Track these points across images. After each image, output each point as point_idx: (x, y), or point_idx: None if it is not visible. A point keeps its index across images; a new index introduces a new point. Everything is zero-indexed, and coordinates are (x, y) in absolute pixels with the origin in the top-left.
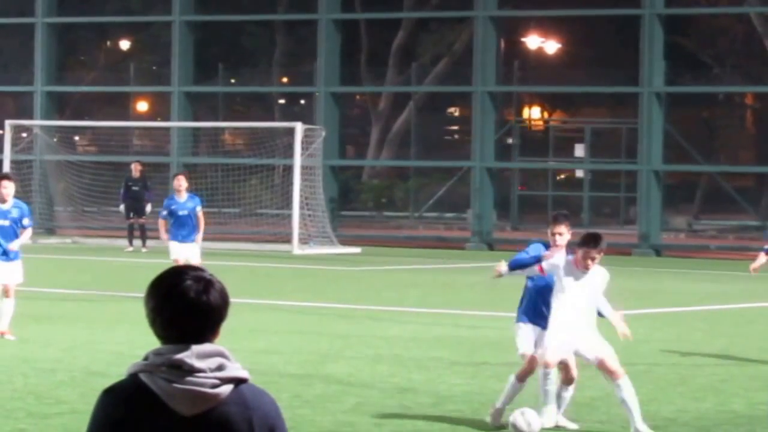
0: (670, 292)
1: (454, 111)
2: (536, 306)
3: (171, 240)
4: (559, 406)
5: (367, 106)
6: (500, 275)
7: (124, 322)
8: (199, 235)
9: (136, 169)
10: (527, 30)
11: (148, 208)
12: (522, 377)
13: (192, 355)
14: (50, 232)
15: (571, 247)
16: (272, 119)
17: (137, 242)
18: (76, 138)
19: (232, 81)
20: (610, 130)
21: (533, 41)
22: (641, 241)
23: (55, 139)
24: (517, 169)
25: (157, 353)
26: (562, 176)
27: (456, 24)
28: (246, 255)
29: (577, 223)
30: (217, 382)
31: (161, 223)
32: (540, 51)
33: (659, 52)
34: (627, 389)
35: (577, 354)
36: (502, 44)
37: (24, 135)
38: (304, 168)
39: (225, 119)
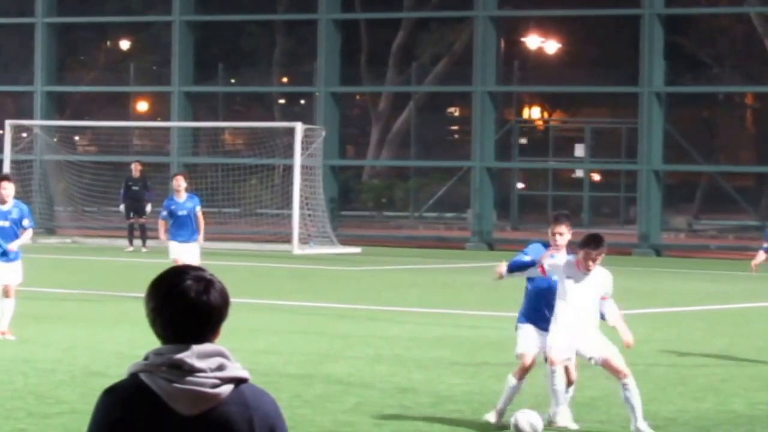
0: (670, 292)
1: (454, 111)
2: (537, 308)
3: (170, 240)
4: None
5: (367, 106)
6: (501, 277)
7: (124, 322)
8: (201, 235)
9: (136, 169)
10: (527, 30)
11: (148, 208)
12: (519, 376)
13: (192, 355)
14: (50, 232)
15: (572, 247)
16: (272, 119)
17: (137, 242)
18: (76, 138)
19: (232, 81)
20: (610, 130)
21: (533, 41)
22: (641, 241)
23: (55, 139)
24: (517, 169)
25: (157, 353)
26: (572, 176)
27: (456, 24)
28: (246, 255)
29: (577, 223)
30: (217, 382)
31: (161, 223)
32: (540, 51)
33: (659, 52)
34: (632, 389)
35: (579, 354)
36: (502, 44)
37: (24, 135)
38: (304, 168)
39: (225, 119)
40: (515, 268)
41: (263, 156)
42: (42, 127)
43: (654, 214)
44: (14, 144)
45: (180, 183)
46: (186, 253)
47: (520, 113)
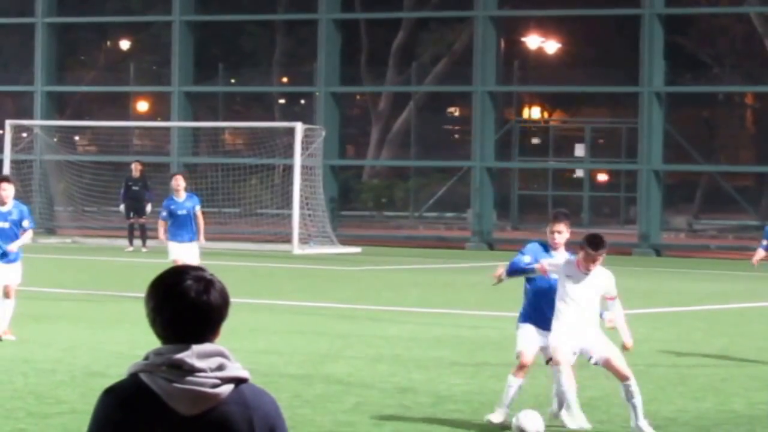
0: (670, 292)
1: (454, 111)
2: (537, 308)
3: (170, 240)
4: (560, 406)
5: (367, 106)
6: (500, 281)
7: (124, 322)
8: (201, 235)
9: (136, 169)
10: (527, 30)
11: (148, 208)
12: (518, 374)
13: (192, 355)
14: (50, 232)
15: (573, 247)
16: (272, 119)
17: (137, 242)
18: (76, 138)
19: (232, 81)
20: (610, 130)
21: (533, 41)
22: (641, 240)
23: (55, 139)
24: (517, 169)
25: (157, 353)
26: (573, 176)
27: (456, 24)
28: (246, 255)
29: (577, 223)
30: (217, 381)
31: (161, 223)
32: (540, 51)
33: (659, 51)
34: (635, 390)
35: (580, 354)
36: (502, 44)
37: (24, 135)
38: (304, 168)
39: (225, 119)
40: (515, 271)
41: (263, 156)
42: (42, 127)
43: (654, 214)
44: (14, 144)
45: (179, 183)
46: (185, 253)
47: (520, 113)
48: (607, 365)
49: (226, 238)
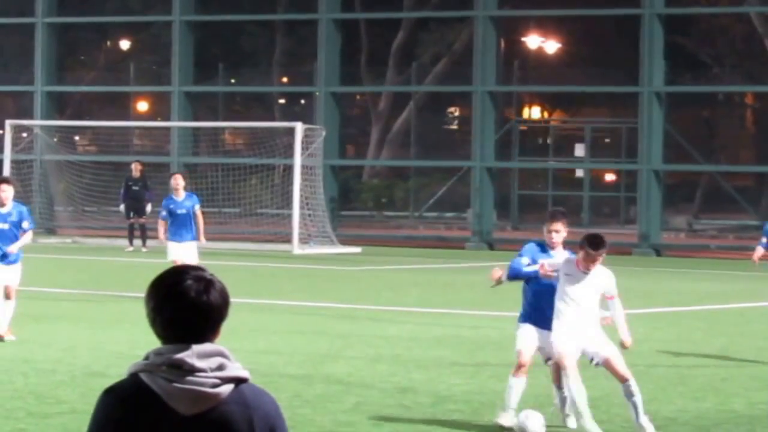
0: (669, 292)
1: (454, 111)
2: (537, 307)
3: (169, 240)
4: (562, 402)
5: (367, 106)
6: (499, 283)
7: (124, 322)
8: (201, 234)
9: (136, 169)
10: (527, 30)
11: (149, 208)
12: (517, 373)
13: (192, 355)
14: (50, 231)
15: (571, 246)
16: (272, 119)
17: (137, 242)
18: (76, 138)
19: (232, 81)
20: (610, 129)
21: (533, 41)
22: (641, 240)
23: (55, 139)
24: (517, 169)
25: (157, 353)
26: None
27: (456, 24)
28: (246, 255)
29: (577, 223)
30: (217, 381)
31: (161, 223)
32: (540, 51)
33: (659, 51)
34: (634, 390)
35: (583, 354)
36: (502, 44)
37: (24, 135)
38: (304, 168)
39: (225, 119)
40: (516, 277)
41: (263, 156)
42: (42, 127)
43: (654, 213)
44: (14, 144)
45: (178, 182)
46: (184, 252)
47: (520, 113)
48: (607, 365)
49: (226, 238)
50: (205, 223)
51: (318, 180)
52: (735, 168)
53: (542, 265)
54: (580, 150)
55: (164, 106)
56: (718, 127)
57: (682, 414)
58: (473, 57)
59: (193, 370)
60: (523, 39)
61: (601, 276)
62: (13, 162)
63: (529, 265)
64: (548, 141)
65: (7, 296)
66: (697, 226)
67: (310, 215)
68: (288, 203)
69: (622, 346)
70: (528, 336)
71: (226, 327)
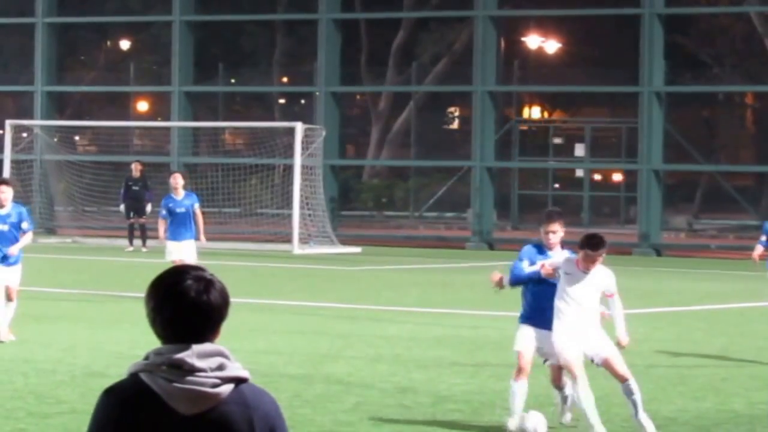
0: (670, 292)
1: (454, 111)
2: (537, 308)
3: (169, 240)
4: (563, 401)
5: (367, 106)
6: (502, 287)
7: (124, 322)
8: (201, 234)
9: (136, 169)
10: (527, 29)
11: (149, 208)
12: (518, 377)
13: (192, 355)
14: (50, 231)
15: (571, 246)
16: (272, 119)
17: (137, 242)
18: (77, 138)
19: (232, 81)
20: (610, 129)
21: (533, 41)
22: (641, 240)
23: (55, 139)
24: (517, 168)
25: (157, 353)
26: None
27: (456, 24)
28: (246, 255)
29: (577, 223)
30: (217, 381)
31: (161, 222)
32: (540, 50)
33: (659, 51)
34: (634, 389)
35: (584, 356)
36: (502, 44)
37: (24, 135)
38: (304, 168)
39: (225, 119)
40: (518, 281)
41: (263, 156)
42: (42, 127)
43: (654, 213)
44: (14, 144)
45: (177, 181)
46: (182, 251)
47: (520, 113)
48: (606, 366)
49: (226, 238)
50: (205, 223)
51: (318, 180)
52: (735, 168)
53: (543, 265)
54: (580, 150)
55: (164, 106)
56: (718, 127)
57: (682, 414)
58: (473, 57)
59: (193, 370)
60: (523, 39)
61: (602, 275)
62: (13, 162)
63: (532, 269)
64: (548, 141)
65: (9, 298)
66: (697, 226)
67: (310, 215)
68: (288, 203)
69: (619, 345)
70: (526, 339)
71: (226, 327)
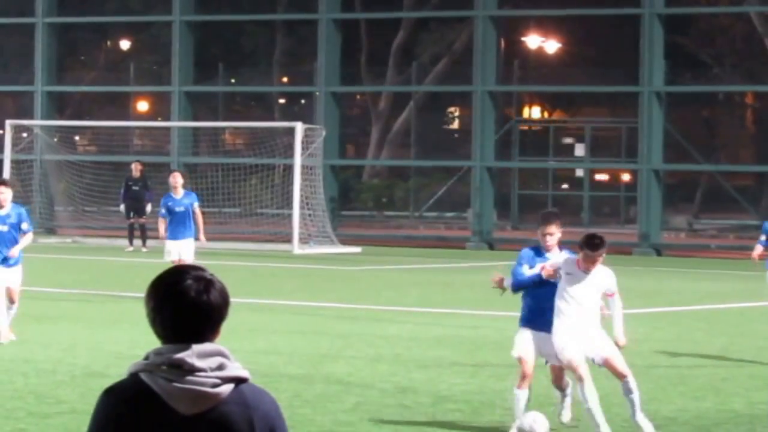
0: (670, 292)
1: (454, 111)
2: (537, 309)
3: (168, 239)
4: (562, 397)
5: (367, 106)
6: (504, 290)
7: (124, 322)
8: (201, 233)
9: (136, 169)
10: (527, 29)
11: (149, 208)
12: (522, 384)
13: (192, 355)
14: (50, 231)
15: (570, 246)
16: (272, 119)
17: (137, 242)
18: (77, 138)
19: (232, 81)
20: (610, 129)
21: (533, 41)
22: (641, 240)
23: (55, 139)
24: (517, 168)
25: (157, 353)
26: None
27: (456, 23)
28: (246, 255)
29: (577, 223)
30: (217, 381)
31: (161, 221)
32: (540, 50)
33: (659, 51)
34: (633, 387)
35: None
36: (502, 44)
37: (24, 135)
38: (304, 168)
39: (225, 119)
40: (520, 286)
41: (263, 156)
42: (42, 127)
43: (654, 213)
44: (14, 144)
45: (177, 180)
46: (182, 249)
47: (520, 113)
48: (606, 364)
49: (226, 238)
50: (205, 223)
51: (318, 180)
52: (735, 168)
53: (543, 267)
54: (580, 150)
55: (164, 106)
56: (718, 126)
57: (682, 414)
58: (473, 57)
59: (193, 370)
60: (523, 39)
61: (602, 275)
62: (13, 162)
63: (533, 272)
64: (548, 141)
65: (11, 300)
66: (697, 226)
67: (310, 215)
68: (288, 203)
69: (616, 344)
70: (526, 343)
71: (226, 327)
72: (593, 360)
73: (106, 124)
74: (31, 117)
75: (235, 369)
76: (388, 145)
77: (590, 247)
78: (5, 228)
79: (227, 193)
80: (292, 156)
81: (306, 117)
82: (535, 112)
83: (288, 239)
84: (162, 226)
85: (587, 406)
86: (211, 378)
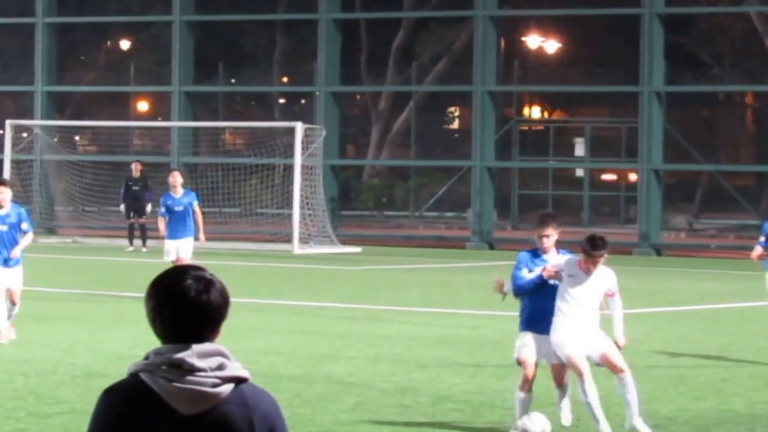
0: (670, 292)
1: (454, 111)
2: (537, 311)
3: (167, 239)
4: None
5: (367, 106)
6: (505, 294)
7: (124, 322)
8: (201, 232)
9: (136, 169)
10: (527, 29)
11: (149, 207)
12: (524, 387)
13: (192, 355)
14: (50, 231)
15: (571, 246)
16: (272, 119)
17: (137, 242)
18: (77, 138)
19: (232, 81)
20: (610, 129)
21: (533, 41)
22: (641, 240)
23: (55, 139)
24: (517, 168)
25: (157, 353)
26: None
27: (456, 23)
28: (246, 255)
29: (577, 223)
30: (217, 381)
31: (160, 220)
32: (540, 50)
33: (659, 51)
34: (629, 385)
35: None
36: (502, 44)
37: (24, 135)
38: (304, 167)
39: (225, 119)
40: (522, 290)
41: (263, 156)
42: (42, 127)
43: (654, 213)
44: (14, 144)
45: (176, 179)
46: (181, 248)
47: (520, 113)
48: (604, 361)
49: (226, 238)
50: (205, 223)
51: (318, 180)
52: (735, 167)
53: (545, 268)
54: (580, 150)
55: (164, 106)
56: (718, 126)
57: (682, 414)
58: (473, 57)
59: (193, 370)
60: (523, 39)
61: (604, 276)
62: (13, 162)
63: (533, 275)
64: (548, 141)
65: (12, 302)
66: (697, 226)
67: (310, 215)
68: (288, 203)
69: (616, 344)
70: (528, 347)
71: (226, 327)
72: (592, 359)
73: (106, 124)
74: (31, 117)
75: (235, 369)
76: (388, 145)
77: (591, 247)
78: (5, 228)
79: (227, 193)
80: (292, 156)
81: (306, 117)
82: (535, 112)
83: (288, 239)
84: (162, 224)
85: (587, 401)
86: (211, 378)
